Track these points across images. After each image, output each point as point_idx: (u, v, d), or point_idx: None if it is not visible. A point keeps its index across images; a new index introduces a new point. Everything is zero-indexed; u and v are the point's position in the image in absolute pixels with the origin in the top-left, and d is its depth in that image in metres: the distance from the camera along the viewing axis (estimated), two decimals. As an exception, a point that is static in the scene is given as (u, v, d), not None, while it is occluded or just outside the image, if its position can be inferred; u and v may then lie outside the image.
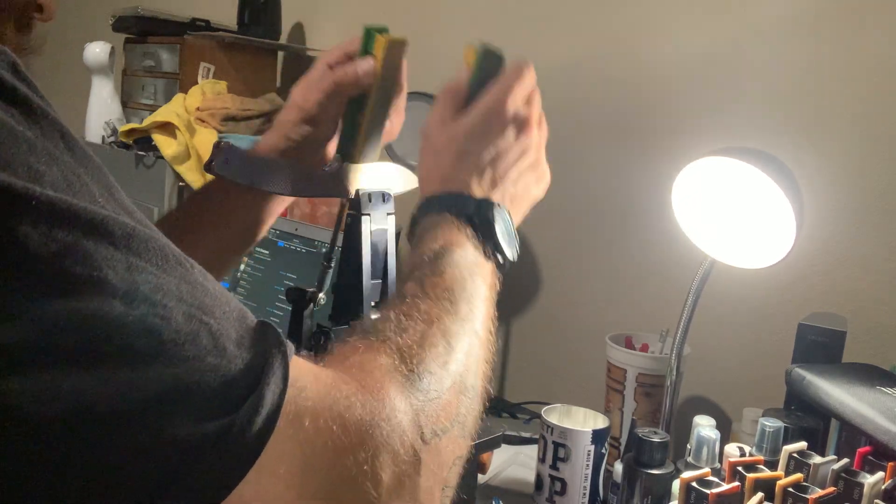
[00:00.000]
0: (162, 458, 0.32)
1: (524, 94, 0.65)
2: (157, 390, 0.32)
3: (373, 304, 0.74)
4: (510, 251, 0.60)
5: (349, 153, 0.74)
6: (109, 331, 0.32)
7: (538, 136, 0.66)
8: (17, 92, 0.35)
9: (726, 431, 1.10)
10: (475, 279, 0.54)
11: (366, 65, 0.69)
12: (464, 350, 0.48)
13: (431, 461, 0.41)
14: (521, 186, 0.64)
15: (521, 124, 0.64)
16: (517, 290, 1.50)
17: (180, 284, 0.35)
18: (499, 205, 0.60)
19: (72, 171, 0.35)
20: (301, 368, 0.38)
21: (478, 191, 0.61)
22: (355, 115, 0.72)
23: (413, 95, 0.81)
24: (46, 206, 0.32)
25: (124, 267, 0.33)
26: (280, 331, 0.38)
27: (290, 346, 0.38)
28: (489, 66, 0.65)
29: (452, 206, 0.59)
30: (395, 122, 0.76)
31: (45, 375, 0.31)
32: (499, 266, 0.60)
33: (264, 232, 0.81)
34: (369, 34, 0.71)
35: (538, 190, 0.67)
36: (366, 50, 0.71)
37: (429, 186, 0.62)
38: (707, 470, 0.76)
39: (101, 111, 1.82)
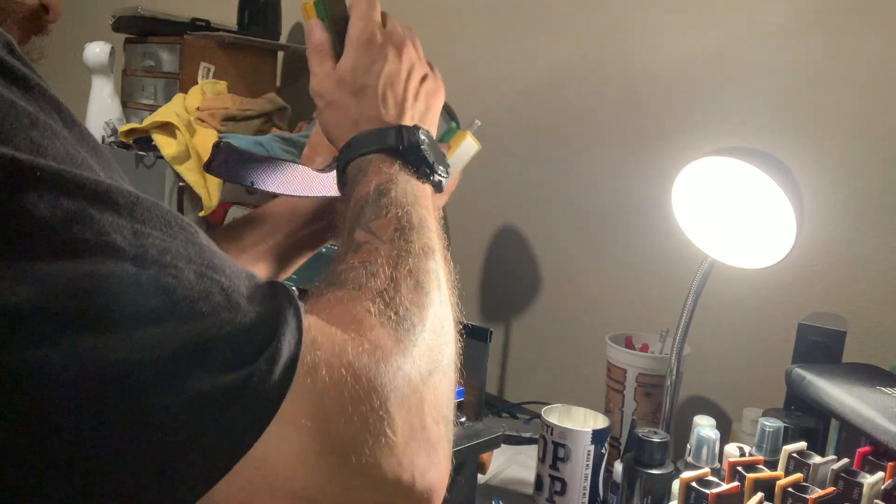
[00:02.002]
0: (184, 412, 0.32)
1: (379, 15, 0.65)
2: (175, 346, 0.33)
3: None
4: (442, 167, 0.61)
5: None
6: (124, 291, 0.32)
7: (414, 47, 0.67)
8: (16, 69, 0.35)
9: (726, 431, 1.10)
10: (419, 211, 0.55)
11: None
12: (432, 285, 0.49)
13: (431, 397, 0.42)
14: (422, 101, 0.65)
15: (397, 42, 0.65)
16: (517, 290, 1.50)
17: (187, 246, 0.36)
18: (417, 126, 0.61)
19: (71, 146, 0.35)
20: (310, 321, 0.38)
21: (390, 120, 0.61)
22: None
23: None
24: (51, 177, 0.32)
25: (130, 232, 0.34)
26: (290, 287, 0.39)
27: (300, 303, 0.38)
28: (335, 8, 0.66)
29: (373, 143, 0.60)
30: None
31: (64, 338, 0.31)
32: (435, 186, 0.60)
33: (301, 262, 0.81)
34: (451, 130, 0.75)
35: (438, 99, 0.68)
36: (441, 139, 0.74)
37: (341, 135, 0.62)
38: (707, 470, 0.76)
39: (101, 111, 1.82)
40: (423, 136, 0.60)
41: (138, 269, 0.33)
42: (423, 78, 0.66)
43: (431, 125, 0.66)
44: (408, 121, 0.62)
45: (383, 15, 0.66)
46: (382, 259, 0.48)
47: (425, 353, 0.43)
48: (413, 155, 0.59)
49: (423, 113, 0.65)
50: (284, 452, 0.34)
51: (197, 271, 0.35)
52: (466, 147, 0.75)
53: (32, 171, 0.32)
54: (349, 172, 0.60)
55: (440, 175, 0.61)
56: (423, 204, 0.56)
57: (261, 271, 0.76)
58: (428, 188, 0.59)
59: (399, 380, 0.40)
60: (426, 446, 0.40)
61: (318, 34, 0.65)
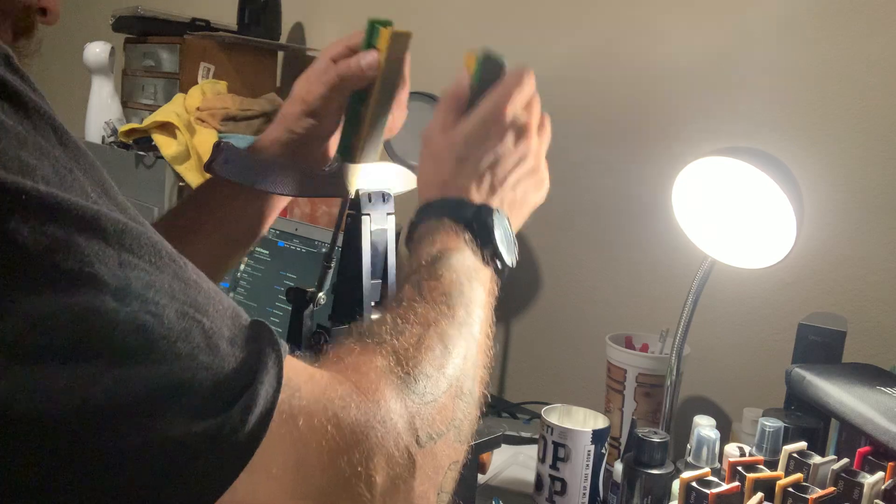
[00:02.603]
0: (153, 457, 0.32)
1: (524, 100, 0.65)
2: (148, 388, 0.32)
3: (373, 303, 0.74)
4: (509, 257, 0.60)
5: (351, 147, 0.73)
6: (100, 327, 0.31)
7: (537, 142, 0.66)
8: (9, 85, 0.35)
9: (726, 431, 1.10)
10: (473, 284, 0.54)
11: (370, 58, 0.68)
12: (461, 354, 0.48)
13: (426, 465, 0.41)
14: (519, 192, 0.65)
15: (521, 130, 0.64)
16: (517, 290, 1.50)
17: (173, 282, 0.35)
18: (497, 210, 0.60)
19: (63, 166, 0.34)
20: (295, 368, 0.37)
21: (476, 196, 0.61)
22: (357, 108, 0.72)
23: (414, 95, 0.81)
24: (37, 201, 0.32)
25: (116, 263, 0.33)
26: (274, 330, 0.38)
27: (285, 346, 0.38)
28: (490, 72, 0.66)
29: (451, 210, 0.59)
30: (397, 118, 0.76)
31: (35, 372, 0.30)
32: (497, 272, 0.59)
33: (264, 230, 0.81)
34: (373, 27, 0.70)
35: (537, 196, 0.68)
36: (369, 43, 0.70)
37: (428, 192, 0.62)
38: (707, 470, 0.76)
39: (101, 111, 1.82)
40: (498, 222, 0.60)
41: (118, 305, 0.32)
42: (531, 172, 0.66)
43: (518, 217, 0.65)
44: (495, 203, 0.62)
45: (532, 98, 0.66)
46: (415, 318, 0.47)
47: (432, 417, 0.42)
48: (483, 235, 0.59)
49: (513, 202, 0.64)
50: (255, 501, 0.34)
51: (179, 310, 0.34)
52: (397, 43, 0.70)
53: (18, 195, 0.31)
54: (418, 231, 0.60)
55: (504, 263, 0.60)
56: (481, 281, 0.56)
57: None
58: (489, 271, 0.59)
59: (388, 438, 0.38)
60: None
61: (461, 85, 0.65)
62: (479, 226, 0.59)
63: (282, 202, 0.80)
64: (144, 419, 0.32)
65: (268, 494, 0.34)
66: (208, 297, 0.36)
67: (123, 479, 0.31)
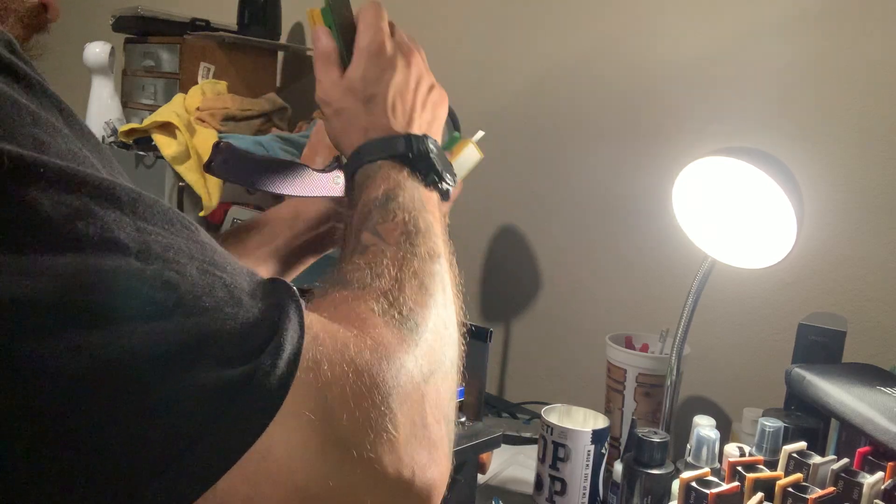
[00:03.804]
0: (189, 406, 0.32)
1: (387, 25, 0.66)
2: (179, 340, 0.33)
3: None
4: (449, 175, 0.62)
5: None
6: (129, 285, 0.33)
7: (420, 57, 0.67)
8: (17, 67, 0.36)
9: (726, 431, 1.10)
10: (425, 215, 0.56)
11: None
12: (437, 287, 0.50)
13: (433, 397, 0.42)
14: (429, 110, 0.66)
15: (406, 52, 0.66)
16: (517, 290, 1.50)
17: (189, 244, 0.36)
18: (424, 135, 0.62)
19: (73, 143, 0.36)
20: (312, 318, 0.38)
21: (398, 128, 0.62)
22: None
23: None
24: (55, 173, 0.33)
25: (134, 228, 0.34)
26: (291, 284, 0.39)
27: (301, 299, 0.39)
28: (342, 16, 0.66)
29: (382, 150, 0.61)
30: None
31: (68, 332, 0.31)
32: (442, 194, 0.61)
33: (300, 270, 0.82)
34: (454, 138, 0.76)
35: (444, 108, 0.69)
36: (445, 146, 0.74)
37: (349, 142, 0.63)
38: (707, 470, 0.76)
39: (101, 111, 1.82)
40: (431, 145, 0.62)
41: (142, 264, 0.33)
42: (430, 88, 0.67)
43: (437, 134, 0.67)
44: (416, 129, 0.63)
45: (390, 24, 0.67)
46: (388, 261, 0.49)
47: (427, 352, 0.44)
48: (422, 163, 0.61)
49: (430, 122, 0.66)
50: (287, 446, 0.35)
51: (199, 267, 0.35)
52: (468, 156, 0.75)
53: (36, 168, 0.32)
54: (357, 178, 0.61)
55: (447, 183, 0.62)
56: (430, 210, 0.57)
57: (263, 275, 0.76)
58: (435, 195, 0.61)
59: (401, 377, 0.40)
60: (427, 444, 0.40)
61: (325, 41, 0.66)
62: (414, 156, 0.60)
63: (329, 248, 0.82)
64: (179, 370, 0.32)
65: (300, 439, 0.35)
66: (224, 256, 0.38)
67: (161, 430, 0.32)
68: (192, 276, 0.34)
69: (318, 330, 0.38)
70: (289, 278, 0.80)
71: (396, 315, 0.44)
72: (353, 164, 0.62)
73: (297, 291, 0.39)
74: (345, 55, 0.65)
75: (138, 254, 0.33)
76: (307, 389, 0.35)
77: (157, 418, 0.32)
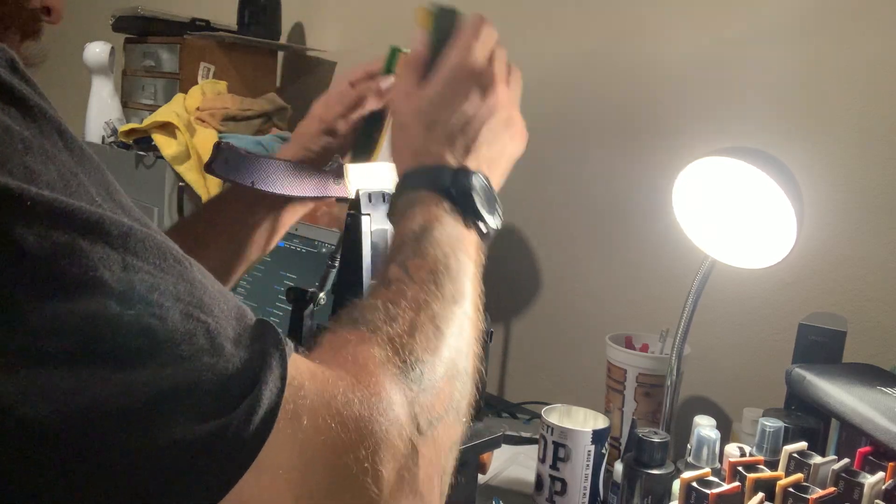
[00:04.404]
0: (159, 458, 0.32)
1: (484, 50, 0.62)
2: (152, 391, 0.32)
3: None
4: (491, 219, 0.58)
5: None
6: (105, 331, 0.32)
7: (507, 91, 0.64)
8: (15, 90, 0.35)
9: (726, 431, 1.10)
10: (458, 256, 0.53)
11: (388, 83, 0.71)
12: (454, 334, 0.48)
13: (429, 451, 0.41)
14: (496, 148, 0.62)
15: (486, 82, 0.61)
16: (517, 290, 1.50)
17: (178, 283, 0.35)
18: (476, 172, 0.58)
19: (69, 170, 0.35)
20: (299, 367, 0.37)
21: (452, 160, 0.58)
22: (372, 130, 0.75)
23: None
24: (42, 207, 0.32)
25: (120, 266, 0.33)
26: (279, 329, 0.38)
27: (290, 345, 0.38)
28: (446, 26, 0.63)
29: (427, 180, 0.57)
30: None
31: (41, 376, 0.30)
32: (482, 236, 0.58)
33: (273, 245, 0.82)
34: (394, 54, 0.73)
35: (515, 147, 0.65)
36: (389, 69, 0.73)
37: (402, 163, 0.60)
38: (707, 470, 0.76)
39: (101, 111, 1.82)
40: (476, 183, 0.57)
41: (122, 308, 0.32)
42: (507, 123, 0.63)
43: (495, 173, 0.62)
44: (472, 164, 0.59)
45: (495, 47, 0.63)
46: (406, 302, 0.47)
47: (431, 403, 0.42)
48: (463, 199, 0.57)
49: (492, 159, 0.62)
50: (261, 501, 0.34)
51: (184, 311, 0.34)
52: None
53: (23, 201, 0.31)
54: (399, 204, 0.58)
55: (488, 225, 0.58)
56: (466, 249, 0.55)
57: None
58: (473, 235, 0.57)
59: (392, 430, 0.38)
60: (413, 500, 0.39)
61: (419, 45, 0.63)
62: (457, 192, 0.56)
63: (295, 214, 0.81)
64: (150, 421, 0.32)
65: (274, 494, 0.34)
66: (213, 297, 0.36)
67: (129, 481, 0.31)
68: (174, 322, 0.33)
69: (304, 380, 0.37)
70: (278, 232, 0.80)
71: (400, 363, 0.42)
72: (398, 188, 0.59)
73: (283, 338, 0.37)
74: (432, 65, 0.62)
75: (120, 295, 0.33)
76: (284, 443, 0.34)
77: (127, 467, 0.31)
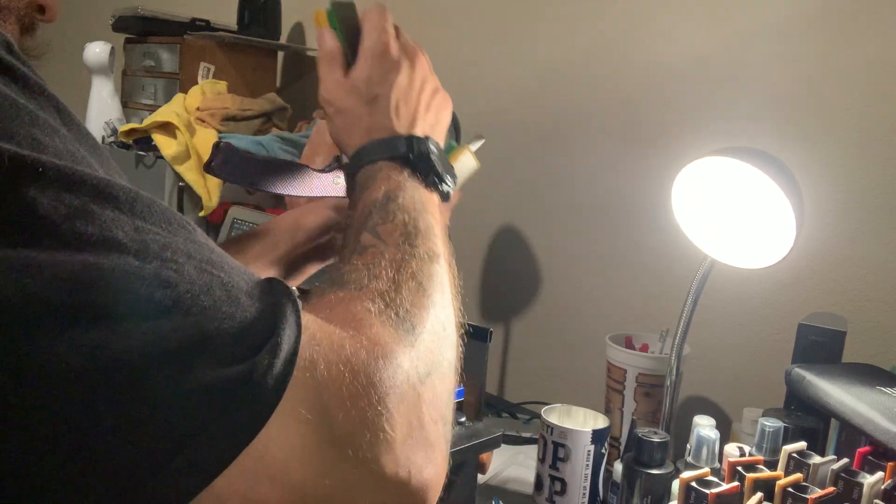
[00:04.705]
0: (187, 404, 0.33)
1: (392, 28, 0.66)
2: (178, 339, 0.33)
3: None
4: (449, 177, 0.62)
5: None
6: (127, 284, 0.33)
7: (426, 61, 0.67)
8: (15, 67, 0.36)
9: (726, 431, 1.10)
10: (426, 217, 0.56)
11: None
12: (435, 288, 0.50)
13: (430, 397, 0.42)
14: (433, 113, 0.66)
15: (410, 55, 0.66)
16: (517, 290, 1.50)
17: (187, 243, 0.36)
18: (427, 137, 0.62)
19: (71, 143, 0.36)
20: (309, 318, 0.39)
21: (401, 129, 0.62)
22: None
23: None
24: (53, 172, 0.33)
25: (132, 227, 0.34)
26: (288, 285, 0.39)
27: (298, 300, 0.39)
28: (347, 18, 0.66)
29: (384, 150, 0.61)
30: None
31: (68, 331, 0.31)
32: (442, 196, 0.61)
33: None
34: (451, 147, 0.75)
35: (447, 112, 0.69)
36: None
37: (351, 143, 0.63)
38: (707, 470, 0.76)
39: (101, 111, 1.82)
40: (432, 147, 0.62)
41: (141, 263, 0.33)
42: (435, 90, 0.67)
43: (440, 137, 0.67)
44: (419, 131, 0.63)
45: (395, 27, 0.67)
46: (386, 262, 0.49)
47: (425, 353, 0.44)
48: (422, 164, 0.60)
49: (434, 125, 0.66)
50: (284, 444, 0.35)
51: (197, 266, 0.35)
52: (465, 164, 0.75)
53: (34, 167, 0.32)
54: (358, 178, 0.61)
55: (448, 185, 0.62)
56: (431, 211, 0.57)
57: None
58: (435, 197, 0.60)
59: (398, 377, 0.40)
60: (423, 444, 0.40)
61: (329, 42, 0.66)
62: (415, 157, 0.60)
63: (330, 258, 0.82)
64: (177, 369, 0.33)
65: (297, 437, 0.35)
66: (221, 256, 0.38)
67: (160, 429, 0.32)
68: (190, 275, 0.35)
69: (315, 330, 0.38)
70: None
71: (393, 315, 0.44)
72: (354, 164, 0.62)
73: (294, 291, 0.39)
74: (349, 56, 0.66)
75: (136, 253, 0.33)
76: (304, 389, 0.36)
77: (155, 416, 0.32)
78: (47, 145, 0.34)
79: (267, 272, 0.77)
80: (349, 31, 0.66)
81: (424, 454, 0.40)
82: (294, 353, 0.36)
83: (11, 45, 0.37)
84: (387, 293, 0.45)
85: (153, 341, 0.32)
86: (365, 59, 0.64)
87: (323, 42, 0.66)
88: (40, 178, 0.32)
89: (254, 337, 0.35)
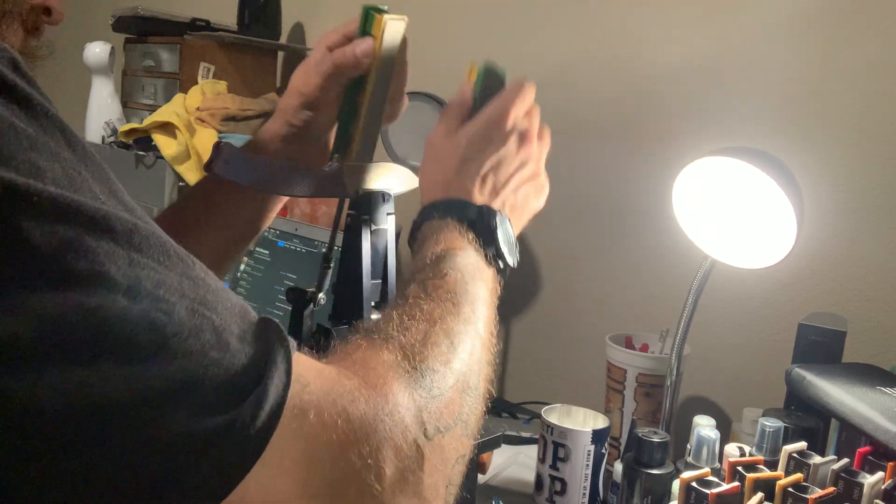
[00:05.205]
0: (165, 453, 0.32)
1: (525, 107, 0.66)
2: (160, 385, 0.32)
3: (373, 304, 0.74)
4: (511, 258, 0.62)
5: (347, 139, 0.72)
6: (113, 325, 0.32)
7: (538, 148, 0.68)
8: (18, 88, 0.35)
9: (726, 431, 1.10)
10: (476, 282, 0.55)
11: (364, 45, 0.68)
12: (466, 350, 0.48)
13: (434, 457, 0.41)
14: (521, 196, 0.66)
15: (522, 136, 0.66)
16: (517, 290, 1.50)
17: (182, 280, 0.35)
18: (500, 212, 0.62)
19: (73, 168, 0.35)
20: (304, 364, 0.38)
21: (479, 197, 0.63)
22: (354, 98, 0.71)
23: (414, 95, 0.81)
24: (48, 202, 0.32)
25: (126, 262, 0.33)
26: (283, 327, 0.38)
27: (293, 342, 0.38)
28: (491, 83, 0.68)
29: (455, 211, 0.61)
30: (397, 106, 0.74)
31: (49, 370, 0.30)
32: (499, 272, 0.61)
33: (264, 227, 0.81)
34: (367, 14, 0.69)
35: (537, 201, 0.69)
36: (364, 31, 0.69)
37: (431, 193, 0.63)
38: (707, 470, 0.76)
39: (101, 111, 1.82)
40: (500, 222, 0.61)
41: (129, 303, 0.32)
42: (532, 176, 0.68)
43: (517, 220, 0.67)
44: (497, 206, 0.63)
45: (532, 108, 0.68)
46: (422, 315, 0.48)
47: (438, 411, 0.43)
48: (486, 235, 0.60)
49: (514, 206, 0.66)
50: (266, 495, 0.34)
51: (189, 307, 0.34)
52: (392, 29, 0.69)
53: (29, 196, 0.32)
54: (423, 231, 0.61)
55: (506, 263, 0.61)
56: (484, 279, 0.57)
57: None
58: (492, 270, 0.60)
59: (397, 432, 0.39)
60: (417, 501, 0.39)
61: (465, 94, 0.67)
62: (482, 226, 0.60)
63: (281, 200, 0.81)
64: (158, 415, 0.32)
65: (280, 489, 0.34)
66: (217, 294, 0.37)
67: (136, 475, 0.32)
68: (180, 317, 0.34)
69: (310, 377, 0.37)
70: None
71: (409, 368, 0.43)
72: (423, 214, 0.62)
73: (287, 335, 0.38)
74: (474, 114, 0.67)
75: (127, 289, 0.33)
76: (290, 439, 0.35)
77: (135, 460, 0.32)
78: (46, 171, 0.33)
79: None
80: (487, 94, 0.67)
81: None
82: (281, 403, 0.35)
83: (18, 63, 0.36)
84: (410, 346, 0.44)
85: (135, 385, 0.32)
86: (479, 120, 0.65)
87: (459, 93, 0.68)
88: (35, 208, 0.32)
89: (240, 385, 0.34)
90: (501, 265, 0.61)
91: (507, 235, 0.62)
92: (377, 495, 0.37)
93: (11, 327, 0.30)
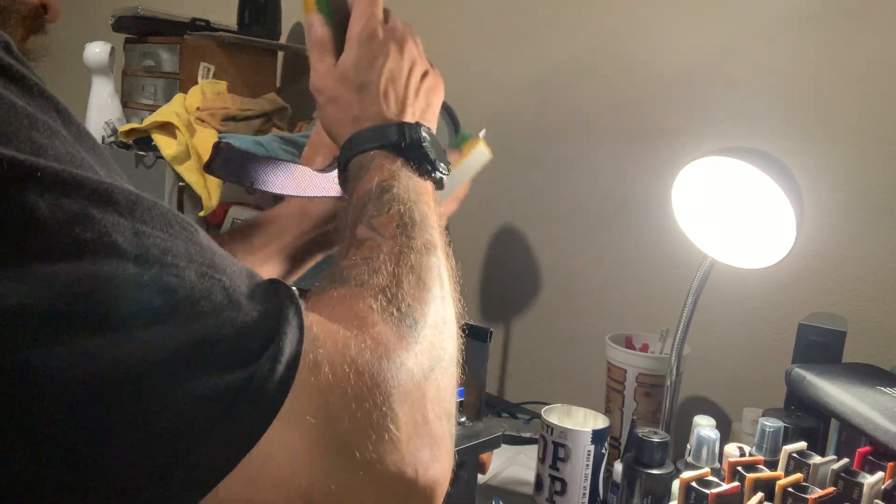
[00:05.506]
0: (188, 412, 0.32)
1: (380, 10, 0.65)
2: (177, 346, 0.33)
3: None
4: (443, 165, 0.61)
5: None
6: (126, 291, 0.32)
7: (416, 44, 0.66)
8: (14, 68, 0.35)
9: (726, 431, 1.10)
10: (420, 206, 0.55)
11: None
12: (433, 280, 0.49)
13: (432, 393, 0.42)
14: (422, 98, 0.65)
15: (398, 39, 0.65)
16: (517, 290, 1.50)
17: (189, 245, 0.36)
18: (417, 123, 0.61)
19: (71, 145, 0.35)
20: (312, 319, 0.38)
21: (391, 116, 0.61)
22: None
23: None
24: (52, 177, 0.32)
25: (132, 232, 0.34)
26: (290, 286, 0.39)
27: (301, 301, 0.38)
28: (335, 3, 0.65)
29: (375, 139, 0.60)
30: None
31: (66, 339, 0.31)
32: (436, 183, 0.61)
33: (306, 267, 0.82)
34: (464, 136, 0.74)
35: (439, 96, 0.68)
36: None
37: (344, 132, 0.62)
38: (707, 470, 0.76)
39: (101, 111, 1.82)
40: (424, 133, 0.61)
41: (140, 269, 0.33)
42: (424, 74, 0.66)
43: (431, 122, 0.66)
44: (409, 118, 0.62)
45: (385, 11, 0.66)
46: (384, 255, 0.48)
47: (427, 348, 0.43)
48: (415, 152, 0.60)
49: (424, 110, 0.65)
50: (288, 450, 0.34)
51: (198, 271, 0.35)
52: (478, 155, 0.74)
53: (33, 172, 0.32)
54: (350, 169, 0.60)
55: (441, 172, 0.61)
56: (425, 200, 0.56)
57: (270, 272, 0.76)
58: (429, 185, 0.60)
59: (402, 376, 0.40)
60: (429, 441, 0.40)
61: (318, 29, 0.65)
62: (407, 144, 0.59)
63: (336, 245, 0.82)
64: (177, 376, 0.32)
65: (300, 442, 0.35)
66: (223, 258, 0.37)
67: (160, 437, 0.32)
68: (191, 280, 0.34)
69: (319, 331, 0.38)
70: (296, 275, 0.80)
71: (395, 312, 0.43)
72: (345, 154, 0.61)
73: (296, 292, 0.38)
74: (338, 43, 0.64)
75: (136, 258, 0.33)
76: (308, 392, 0.35)
77: (156, 423, 0.32)
78: (46, 148, 0.34)
79: (273, 260, 0.77)
80: (338, 16, 0.65)
81: (430, 452, 0.40)
82: (297, 356, 0.35)
83: (10, 46, 0.36)
84: (388, 289, 0.45)
85: (152, 349, 0.32)
86: (352, 45, 0.63)
87: (311, 28, 0.65)
88: (39, 183, 0.32)
89: (255, 341, 0.35)
90: (437, 175, 0.60)
91: (432, 142, 0.61)
92: (395, 440, 0.38)
93: (26, 297, 0.30)
